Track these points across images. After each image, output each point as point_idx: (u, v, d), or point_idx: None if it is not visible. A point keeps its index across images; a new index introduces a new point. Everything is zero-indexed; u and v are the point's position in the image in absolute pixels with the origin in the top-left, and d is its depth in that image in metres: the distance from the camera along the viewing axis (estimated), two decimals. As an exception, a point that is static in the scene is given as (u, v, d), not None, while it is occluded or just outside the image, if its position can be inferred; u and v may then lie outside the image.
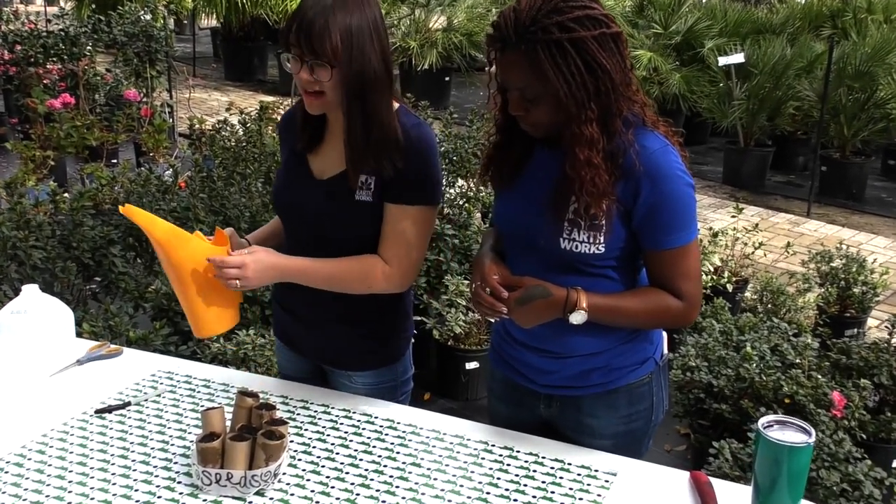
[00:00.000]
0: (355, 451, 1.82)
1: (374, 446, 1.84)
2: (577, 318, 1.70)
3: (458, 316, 3.64)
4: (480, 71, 12.83)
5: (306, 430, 1.90)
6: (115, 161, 6.64)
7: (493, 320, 1.93)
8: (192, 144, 5.62)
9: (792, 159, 8.24)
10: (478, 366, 3.74)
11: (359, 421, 1.94)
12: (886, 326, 3.31)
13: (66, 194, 4.47)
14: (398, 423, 1.93)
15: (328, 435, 1.88)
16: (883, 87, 7.53)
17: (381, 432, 1.89)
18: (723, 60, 7.53)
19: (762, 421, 1.61)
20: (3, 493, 1.67)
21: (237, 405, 1.78)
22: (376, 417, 1.96)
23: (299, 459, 1.79)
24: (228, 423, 1.77)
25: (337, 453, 1.81)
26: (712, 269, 4.30)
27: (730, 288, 4.28)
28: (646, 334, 1.87)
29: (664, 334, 1.98)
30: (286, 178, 2.02)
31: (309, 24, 1.72)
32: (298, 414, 1.97)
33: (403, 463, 1.78)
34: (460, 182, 5.37)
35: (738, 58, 7.46)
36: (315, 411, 1.98)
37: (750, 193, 7.29)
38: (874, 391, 2.98)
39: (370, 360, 2.05)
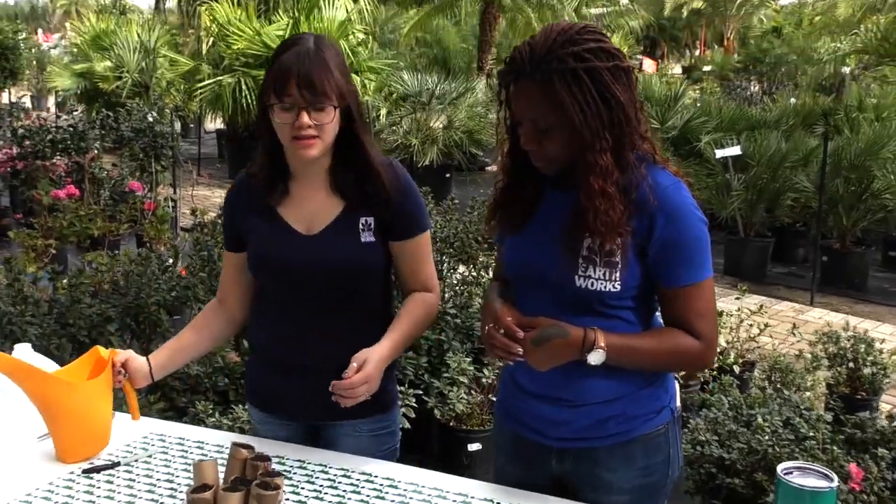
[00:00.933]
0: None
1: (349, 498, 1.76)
2: (596, 357, 1.65)
3: (461, 394, 3.55)
4: (481, 170, 13.07)
5: (303, 488, 1.81)
6: (116, 252, 6.65)
7: (501, 363, 1.87)
8: (194, 229, 5.62)
9: (792, 251, 8.27)
10: (480, 447, 3.63)
11: (357, 480, 1.85)
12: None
13: (64, 281, 4.47)
14: (399, 481, 1.84)
15: (325, 493, 1.80)
16: (878, 179, 7.61)
17: (380, 490, 1.81)
18: (720, 153, 7.64)
19: (781, 467, 1.54)
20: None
21: (231, 456, 1.71)
22: (376, 476, 1.87)
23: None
24: (221, 477, 1.70)
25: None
26: (718, 350, 4.23)
27: (737, 369, 4.20)
28: (661, 382, 1.81)
29: (677, 385, 1.92)
30: (273, 242, 1.94)
31: (309, 73, 1.76)
32: (295, 473, 1.88)
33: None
34: (461, 269, 5.35)
35: (734, 150, 7.58)
36: (312, 471, 1.89)
37: (752, 283, 7.26)
38: (893, 468, 2.87)
39: (373, 407, 1.97)
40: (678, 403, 1.90)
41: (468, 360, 3.65)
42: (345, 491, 1.80)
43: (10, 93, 18.56)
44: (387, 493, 1.79)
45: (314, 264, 1.90)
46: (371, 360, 1.84)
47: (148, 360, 1.98)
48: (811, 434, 2.84)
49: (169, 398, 3.16)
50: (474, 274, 5.05)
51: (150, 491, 1.80)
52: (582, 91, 1.59)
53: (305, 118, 1.78)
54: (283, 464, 1.91)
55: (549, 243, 1.72)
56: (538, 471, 1.85)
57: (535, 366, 1.68)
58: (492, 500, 1.76)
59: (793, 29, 25.91)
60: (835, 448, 2.68)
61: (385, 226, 1.91)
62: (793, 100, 11.46)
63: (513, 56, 1.67)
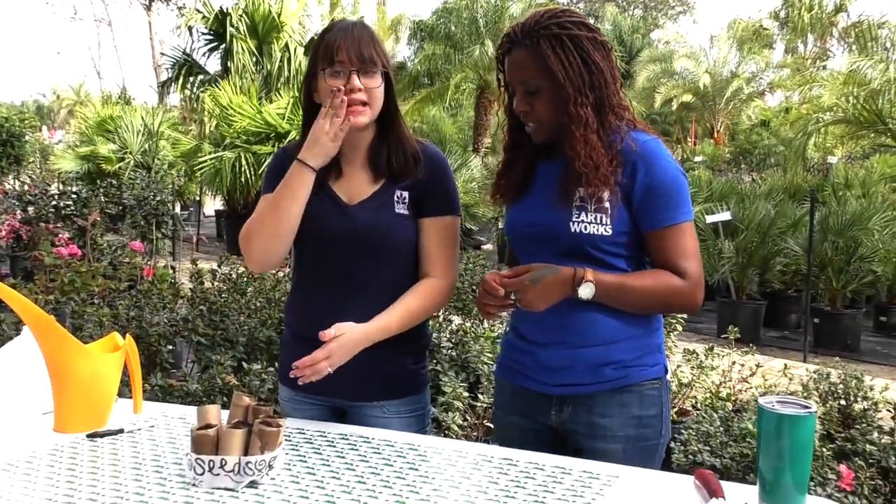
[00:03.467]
0: (352, 461, 1.79)
1: (370, 457, 1.81)
2: (586, 291, 1.79)
3: (455, 418, 3.58)
4: (477, 248, 13.23)
5: (324, 450, 1.84)
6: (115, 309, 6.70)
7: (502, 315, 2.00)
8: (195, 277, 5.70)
9: (784, 316, 8.35)
10: (476, 475, 3.64)
11: (378, 445, 1.88)
12: (889, 411, 3.26)
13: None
14: (419, 445, 1.87)
15: (344, 450, 1.84)
16: (865, 246, 7.77)
17: (401, 452, 1.83)
18: (710, 219, 7.81)
19: (762, 399, 1.60)
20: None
21: (234, 404, 1.77)
22: (395, 441, 1.89)
23: (302, 460, 1.76)
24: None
25: (333, 461, 1.77)
26: (710, 386, 4.28)
27: (730, 406, 4.22)
28: (655, 337, 1.93)
29: (665, 353, 2.02)
30: (318, 205, 1.99)
31: (358, 38, 1.91)
32: (316, 440, 1.91)
33: (401, 468, 1.74)
34: (457, 319, 5.42)
35: (724, 216, 7.76)
36: (332, 439, 1.92)
37: (746, 346, 7.31)
38: (882, 478, 2.90)
39: (401, 388, 2.04)
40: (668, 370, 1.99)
41: (464, 386, 3.70)
42: (366, 452, 1.82)
43: (14, 180, 18.86)
44: (431, 457, 1.81)
45: (349, 230, 1.97)
46: (341, 340, 1.87)
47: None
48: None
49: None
50: (468, 325, 5.11)
51: (154, 454, 1.82)
52: (565, 52, 1.81)
53: (356, 81, 1.90)
54: (325, 436, 1.93)
55: (545, 203, 1.90)
56: (538, 420, 1.96)
57: (533, 306, 1.81)
58: (536, 463, 1.77)
59: (780, 120, 26.59)
60: (825, 451, 2.72)
61: (418, 201, 2.01)
62: (780, 180, 11.73)
63: (507, 33, 1.91)
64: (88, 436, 1.93)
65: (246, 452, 1.63)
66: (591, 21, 1.98)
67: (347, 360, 1.90)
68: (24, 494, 1.61)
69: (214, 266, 10.27)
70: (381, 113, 1.99)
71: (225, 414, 1.79)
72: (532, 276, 1.80)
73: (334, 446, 1.86)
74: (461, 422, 3.63)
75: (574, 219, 1.84)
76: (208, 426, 1.67)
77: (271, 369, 3.57)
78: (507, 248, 2.20)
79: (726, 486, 1.64)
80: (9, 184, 16.19)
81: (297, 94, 11.25)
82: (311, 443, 1.88)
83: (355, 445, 1.86)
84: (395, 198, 2.00)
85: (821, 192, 10.80)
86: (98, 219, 7.76)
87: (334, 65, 1.91)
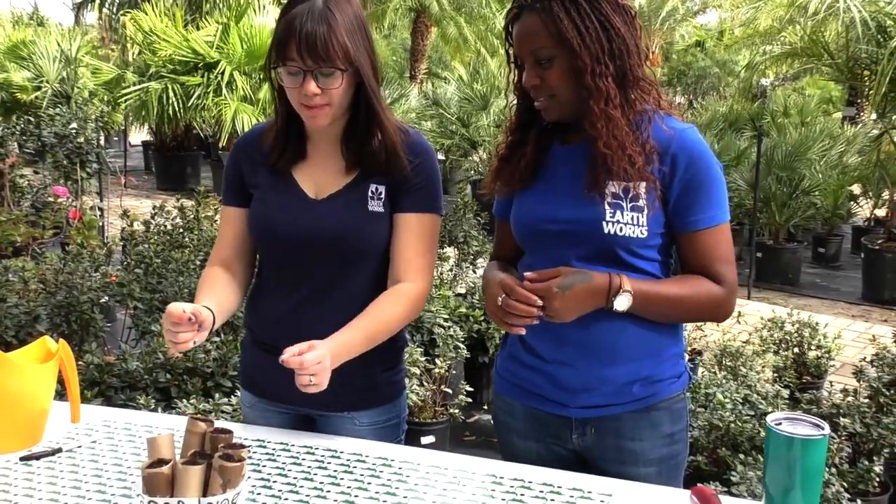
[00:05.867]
0: (322, 483, 1.63)
1: (342, 478, 1.65)
2: (623, 302, 1.59)
3: (413, 385, 3.45)
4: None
5: (289, 470, 1.68)
6: (41, 259, 6.35)
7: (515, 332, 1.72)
8: (128, 235, 5.39)
9: (727, 249, 8.42)
10: (434, 440, 3.54)
11: (339, 454, 1.74)
12: (853, 374, 3.26)
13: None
14: (392, 460, 1.72)
15: (312, 471, 1.68)
16: (807, 179, 7.81)
17: (374, 469, 1.68)
18: (655, 153, 7.73)
19: (770, 417, 1.48)
20: None
21: (188, 430, 1.57)
22: (367, 456, 1.74)
23: (267, 486, 1.59)
24: (178, 453, 1.56)
25: (301, 486, 1.61)
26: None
27: (686, 357, 4.20)
28: (679, 346, 1.76)
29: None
30: (278, 202, 1.80)
31: (311, 34, 1.63)
32: (279, 456, 1.74)
33: (377, 493, 1.59)
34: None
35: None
36: (297, 453, 1.75)
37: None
38: (848, 440, 2.88)
39: (374, 397, 1.86)
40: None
41: (419, 350, 3.56)
42: (336, 471, 1.67)
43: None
44: (408, 476, 1.66)
45: (314, 230, 1.75)
46: (317, 353, 1.59)
47: (207, 308, 1.69)
48: (770, 410, 2.83)
49: (106, 395, 2.98)
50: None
51: (96, 475, 1.66)
52: (581, 16, 1.58)
53: (311, 86, 1.64)
54: (288, 450, 1.76)
55: (569, 195, 1.67)
56: (558, 445, 1.77)
57: (560, 315, 1.59)
58: (523, 480, 1.63)
59: (714, 43, 26.65)
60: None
61: (396, 196, 1.77)
62: (722, 108, 11.70)
63: None
64: (22, 459, 1.73)
65: (206, 491, 1.46)
66: None
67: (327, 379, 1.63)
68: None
69: (146, 205, 9.82)
70: (353, 103, 1.74)
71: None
72: (562, 283, 1.57)
73: (300, 464, 1.70)
74: (417, 387, 3.50)
75: (609, 218, 1.62)
76: (161, 461, 1.48)
77: (216, 339, 3.38)
78: (498, 239, 1.93)
79: (727, 502, 1.55)
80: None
81: (226, 20, 10.68)
82: (275, 460, 1.72)
83: (323, 462, 1.71)
84: (370, 192, 1.77)
85: (760, 119, 10.84)
86: (15, 161, 7.30)
87: (287, 62, 1.65)
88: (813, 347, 4.15)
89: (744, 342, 4.24)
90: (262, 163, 1.83)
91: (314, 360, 1.58)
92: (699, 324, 4.57)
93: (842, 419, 2.73)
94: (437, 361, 3.60)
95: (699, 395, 3.05)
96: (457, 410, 3.59)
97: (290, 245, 1.79)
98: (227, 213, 1.89)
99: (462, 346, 3.68)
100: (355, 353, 1.70)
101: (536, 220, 1.73)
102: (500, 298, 1.62)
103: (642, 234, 1.63)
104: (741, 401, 2.88)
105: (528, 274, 1.63)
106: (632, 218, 1.62)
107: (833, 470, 2.66)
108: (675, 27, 30.28)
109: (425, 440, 3.54)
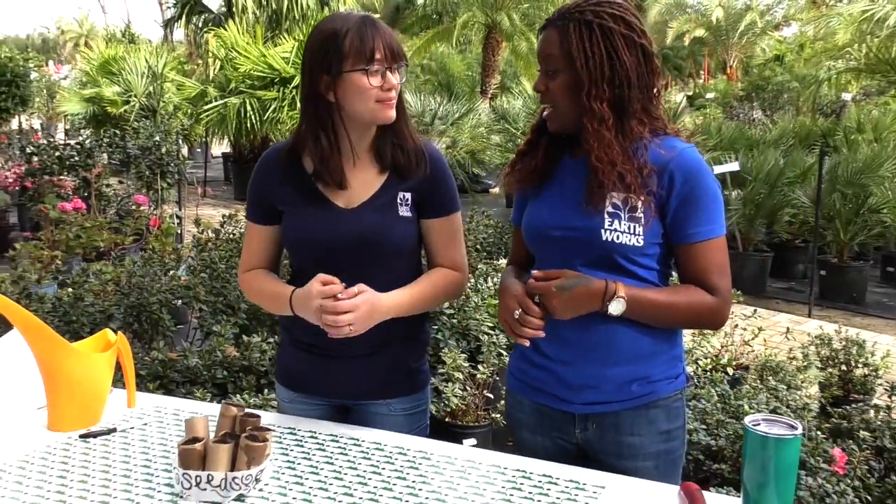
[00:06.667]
0: (341, 468, 1.80)
1: (360, 464, 1.82)
2: (616, 306, 1.73)
3: (455, 389, 3.61)
4: (484, 192, 13.18)
5: (313, 455, 1.85)
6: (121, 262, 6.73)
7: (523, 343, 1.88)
8: (196, 241, 5.70)
9: (792, 267, 8.32)
10: (476, 443, 3.67)
11: (391, 453, 1.88)
12: (886, 389, 3.27)
13: (69, 290, 4.54)
14: (408, 449, 1.88)
15: (334, 455, 1.85)
16: (875, 195, 7.68)
17: (413, 462, 1.83)
18: (718, 169, 7.69)
19: (749, 418, 1.59)
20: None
21: (221, 414, 1.77)
22: (408, 449, 1.89)
23: (291, 467, 1.76)
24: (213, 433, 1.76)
25: (322, 468, 1.78)
26: (711, 352, 4.29)
27: (730, 371, 4.24)
28: (677, 350, 1.89)
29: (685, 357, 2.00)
30: (313, 214, 1.97)
31: (387, 35, 1.90)
32: (306, 442, 1.91)
33: (388, 477, 1.75)
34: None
35: (732, 166, 7.65)
36: (322, 441, 1.93)
37: (750, 297, 7.30)
38: (877, 456, 2.91)
39: (407, 386, 2.06)
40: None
41: (463, 356, 3.71)
42: (355, 458, 1.84)
43: (20, 120, 18.78)
44: (420, 464, 1.81)
45: (353, 237, 1.94)
46: (367, 299, 1.84)
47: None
48: (797, 422, 2.88)
49: (168, 388, 3.22)
50: (472, 282, 5.12)
51: (144, 453, 1.85)
52: (591, 41, 1.74)
53: (396, 77, 1.89)
54: (316, 437, 1.94)
55: (573, 205, 1.82)
56: (563, 439, 1.92)
57: (559, 313, 1.75)
58: (524, 471, 1.77)
59: (794, 56, 26.09)
60: (819, 434, 2.72)
61: (421, 202, 1.99)
62: (791, 124, 11.54)
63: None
64: (81, 436, 1.95)
65: (233, 467, 1.64)
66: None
67: (367, 328, 1.86)
68: (14, 500, 1.63)
69: (222, 213, 10.24)
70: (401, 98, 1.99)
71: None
72: (561, 284, 1.73)
73: (324, 450, 1.87)
74: (460, 392, 3.66)
75: (607, 226, 1.76)
76: (195, 439, 1.67)
77: (271, 340, 3.59)
78: (514, 245, 2.10)
79: (710, 498, 1.65)
80: (14, 126, 16.16)
81: (303, 39, 11.07)
82: (302, 446, 1.89)
83: (345, 449, 1.88)
84: (399, 199, 1.97)
85: (832, 136, 10.65)
86: (102, 171, 7.74)
87: (373, 63, 1.86)
88: (860, 365, 4.14)
89: (789, 358, 4.26)
90: (285, 180, 2.01)
91: (348, 306, 1.81)
92: (748, 339, 4.61)
93: (862, 433, 2.77)
94: (480, 367, 3.74)
95: (729, 407, 3.12)
96: (499, 415, 3.72)
97: (327, 250, 1.96)
98: (254, 229, 2.09)
99: (505, 353, 3.81)
100: (402, 312, 1.93)
101: (543, 226, 1.89)
102: (516, 312, 1.79)
103: (638, 242, 1.77)
104: (768, 412, 2.94)
105: (534, 273, 1.80)
106: (629, 227, 1.76)
107: (857, 483, 2.70)
108: (756, 41, 29.80)
109: (467, 443, 3.68)
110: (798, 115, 16.98)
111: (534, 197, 1.94)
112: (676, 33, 29.48)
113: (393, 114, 1.93)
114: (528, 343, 1.81)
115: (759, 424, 1.57)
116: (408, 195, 1.98)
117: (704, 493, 1.66)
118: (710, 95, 24.69)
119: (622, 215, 1.77)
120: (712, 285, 1.78)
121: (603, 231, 1.77)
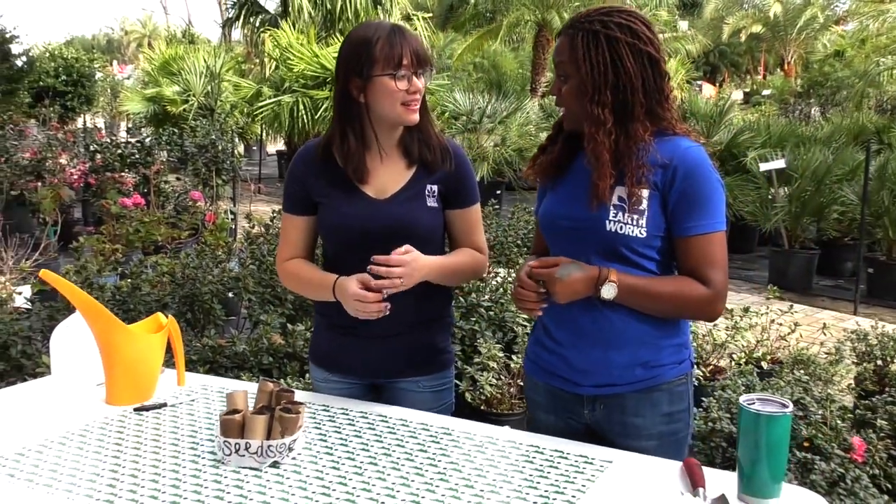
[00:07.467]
0: (368, 441, 1.95)
1: (385, 437, 1.97)
2: (608, 291, 1.86)
3: (490, 378, 3.74)
4: (532, 189, 13.24)
5: (343, 429, 2.00)
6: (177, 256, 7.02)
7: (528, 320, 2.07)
8: (247, 235, 5.94)
9: (840, 264, 8.24)
10: (510, 429, 3.80)
11: (415, 428, 2.02)
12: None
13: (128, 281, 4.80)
14: (431, 425, 2.04)
15: (362, 429, 2.00)
16: (925, 193, 7.58)
17: (436, 437, 1.98)
18: (764, 166, 7.69)
19: (744, 397, 1.70)
20: (39, 475, 1.81)
21: (259, 389, 1.94)
22: (432, 425, 2.04)
23: (323, 439, 1.93)
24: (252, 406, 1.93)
25: (350, 441, 1.94)
26: (745, 346, 4.35)
27: (765, 366, 4.30)
28: (682, 337, 2.00)
29: (692, 345, 2.11)
30: (348, 205, 2.13)
31: (415, 42, 2.07)
32: (337, 418, 2.07)
33: (411, 450, 1.90)
34: (501, 272, 5.55)
35: (779, 163, 7.63)
36: (353, 417, 2.08)
37: (796, 295, 7.29)
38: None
39: (435, 365, 2.24)
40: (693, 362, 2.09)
41: (498, 346, 3.85)
42: (381, 432, 1.99)
43: (84, 119, 19.45)
44: (441, 438, 1.96)
45: (387, 226, 2.10)
46: (415, 258, 2.02)
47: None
48: (819, 412, 2.95)
49: (217, 373, 3.42)
50: (513, 275, 5.24)
51: (191, 425, 2.04)
52: (596, 51, 1.87)
53: (421, 82, 2.07)
54: (346, 414, 2.10)
55: (580, 197, 1.95)
56: (573, 419, 2.05)
57: (558, 297, 1.90)
58: (537, 446, 1.93)
59: (855, 51, 25.54)
60: (839, 423, 2.79)
61: (447, 194, 2.17)
62: (845, 121, 11.38)
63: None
64: (136, 409, 2.14)
65: (269, 436, 1.81)
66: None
67: (413, 284, 2.03)
68: (75, 468, 1.81)
69: (274, 208, 10.49)
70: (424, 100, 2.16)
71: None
72: (560, 272, 1.87)
73: (353, 425, 2.03)
74: (495, 381, 3.79)
75: (611, 217, 1.89)
76: (235, 411, 1.84)
77: (315, 329, 3.77)
78: (535, 235, 2.26)
79: (709, 473, 1.76)
80: (79, 125, 16.73)
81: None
82: (333, 421, 2.06)
83: (373, 424, 2.03)
84: (426, 191, 2.14)
85: (887, 133, 10.49)
86: (160, 168, 8.04)
87: (400, 69, 2.03)
88: (896, 360, 4.16)
89: (826, 352, 4.29)
90: (322, 174, 2.17)
91: (398, 261, 2.00)
92: (782, 333, 4.65)
93: (879, 421, 2.82)
94: (514, 357, 3.87)
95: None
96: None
97: (361, 236, 2.12)
98: (291, 220, 2.24)
99: (540, 344, 3.93)
100: (435, 275, 2.11)
101: (554, 216, 2.04)
102: (515, 287, 1.96)
103: (641, 233, 1.89)
104: (792, 403, 3.01)
105: (531, 262, 1.94)
106: (632, 219, 1.89)
107: (877, 471, 2.77)
108: (816, 36, 29.22)
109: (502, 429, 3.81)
110: (856, 112, 16.70)
111: (551, 189, 2.08)
112: (732, 29, 29.05)
113: (416, 117, 2.09)
114: (539, 313, 1.97)
115: (753, 403, 1.68)
116: (434, 188, 2.15)
117: (705, 468, 1.78)
118: (766, 92, 24.34)
119: (626, 207, 1.89)
120: (706, 277, 1.88)
121: (607, 222, 1.90)
